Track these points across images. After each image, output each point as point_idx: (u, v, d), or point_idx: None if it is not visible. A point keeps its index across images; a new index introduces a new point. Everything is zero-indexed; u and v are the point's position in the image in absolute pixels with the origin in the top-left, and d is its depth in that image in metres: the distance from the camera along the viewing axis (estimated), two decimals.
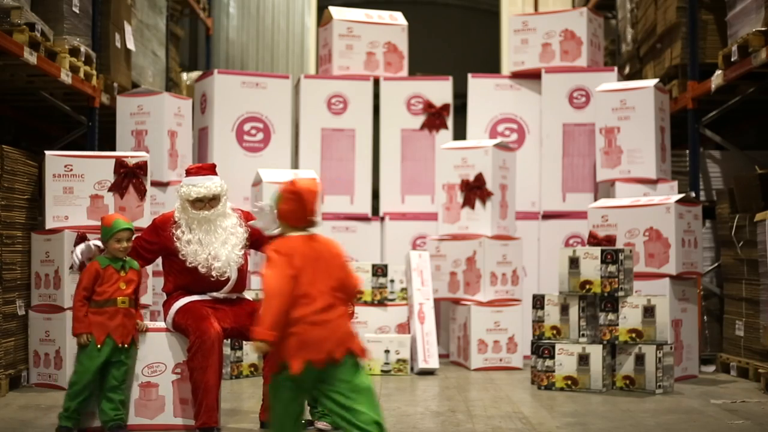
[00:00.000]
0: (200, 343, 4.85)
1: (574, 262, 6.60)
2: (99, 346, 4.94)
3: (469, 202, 7.79)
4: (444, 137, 8.73)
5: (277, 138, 8.61)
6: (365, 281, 7.55)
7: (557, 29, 8.71)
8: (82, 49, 7.38)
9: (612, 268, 6.47)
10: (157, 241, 5.22)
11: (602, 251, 6.53)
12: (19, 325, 6.50)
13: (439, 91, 8.83)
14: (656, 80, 8.05)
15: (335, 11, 9.00)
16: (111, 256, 5.09)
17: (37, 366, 6.53)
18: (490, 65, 14.68)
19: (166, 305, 5.20)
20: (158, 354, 5.15)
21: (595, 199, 8.09)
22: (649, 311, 6.45)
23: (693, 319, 7.18)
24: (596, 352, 6.42)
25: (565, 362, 6.48)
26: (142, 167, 6.58)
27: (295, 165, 8.79)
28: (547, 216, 8.52)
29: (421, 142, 8.79)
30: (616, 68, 8.74)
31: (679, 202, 7.03)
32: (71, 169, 6.51)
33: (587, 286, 6.55)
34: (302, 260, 3.69)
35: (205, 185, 5.16)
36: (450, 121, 8.83)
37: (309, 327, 3.64)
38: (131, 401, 5.12)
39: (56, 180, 6.48)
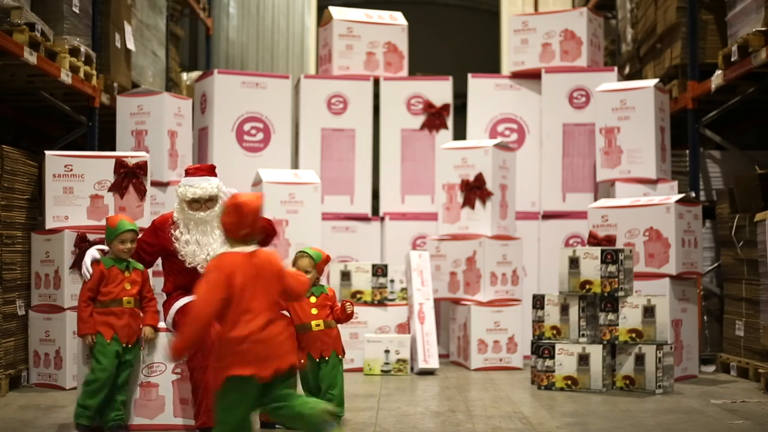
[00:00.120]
0: (200, 343, 4.85)
1: (574, 262, 6.60)
2: (109, 341, 4.94)
3: (469, 202, 7.79)
4: (444, 137, 8.73)
5: (277, 138, 8.61)
6: (365, 281, 7.55)
7: (557, 29, 8.71)
8: (82, 49, 7.38)
9: (612, 268, 6.47)
10: (157, 243, 5.22)
11: (602, 251, 6.53)
12: (19, 325, 6.50)
13: (439, 91, 8.83)
14: (656, 80, 8.05)
15: (335, 11, 9.00)
16: (115, 257, 5.10)
17: (37, 366, 6.53)
18: (490, 65, 14.68)
19: (166, 305, 5.20)
20: (158, 354, 5.15)
21: (595, 199, 8.09)
22: (649, 311, 6.45)
23: (693, 319, 7.18)
24: (596, 352, 6.42)
25: (565, 362, 6.48)
26: (142, 167, 6.58)
27: (295, 165, 8.80)
28: (547, 216, 8.52)
29: (421, 142, 8.79)
30: (616, 68, 8.74)
31: (679, 202, 7.03)
32: (71, 169, 6.51)
33: (587, 286, 6.55)
34: (243, 277, 3.88)
35: (201, 186, 5.15)
36: (450, 121, 8.84)
37: (253, 345, 3.83)
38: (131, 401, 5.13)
39: (56, 180, 6.48)
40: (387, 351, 7.27)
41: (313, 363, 5.11)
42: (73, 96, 7.67)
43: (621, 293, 6.47)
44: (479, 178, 7.75)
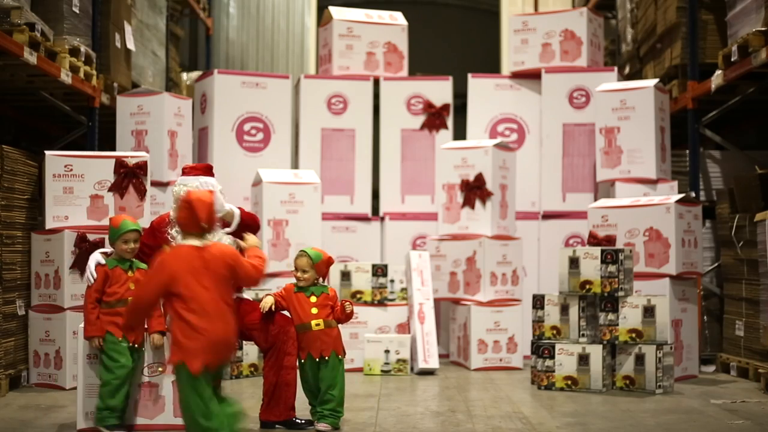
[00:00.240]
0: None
1: (574, 262, 6.60)
2: (120, 339, 4.94)
3: (469, 202, 7.79)
4: (444, 137, 8.73)
5: (277, 138, 8.61)
6: (365, 281, 7.55)
7: (557, 29, 8.71)
8: (82, 49, 7.38)
9: (612, 268, 6.47)
10: (155, 243, 5.22)
11: (602, 251, 6.53)
12: (19, 325, 6.50)
13: (439, 91, 8.83)
14: (656, 80, 8.05)
15: (335, 11, 9.00)
16: (118, 257, 5.10)
17: (37, 366, 6.53)
18: (490, 65, 14.68)
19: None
20: (158, 354, 5.15)
21: (595, 199, 8.09)
22: (649, 311, 6.45)
23: (693, 319, 7.18)
24: (596, 352, 6.42)
25: (565, 362, 6.47)
26: (142, 167, 6.58)
27: (295, 165, 8.80)
28: (547, 216, 8.52)
29: (421, 142, 8.79)
30: (616, 68, 8.74)
31: (679, 202, 7.03)
32: (71, 169, 6.51)
33: (587, 286, 6.55)
34: (189, 270, 4.06)
35: (194, 186, 5.14)
36: (450, 121, 8.84)
37: (203, 334, 4.00)
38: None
39: (56, 180, 6.49)
40: (387, 351, 7.27)
41: (313, 363, 5.11)
42: (73, 96, 7.67)
43: (621, 293, 6.47)
44: (479, 178, 7.75)
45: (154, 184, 7.14)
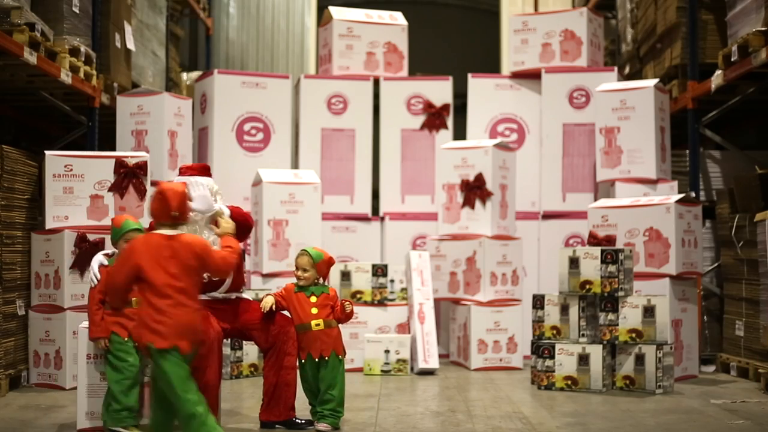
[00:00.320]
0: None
1: (574, 262, 6.60)
2: (126, 338, 4.94)
3: (469, 202, 7.79)
4: (444, 137, 8.73)
5: (277, 138, 8.61)
6: (365, 281, 7.55)
7: (557, 29, 8.71)
8: (82, 49, 7.38)
9: (612, 268, 6.47)
10: None
11: (602, 251, 6.53)
12: (19, 325, 6.50)
13: (439, 91, 8.83)
14: (656, 80, 8.05)
15: (335, 11, 9.00)
16: None
17: (37, 366, 6.53)
18: (490, 65, 14.67)
19: None
20: None
21: (595, 199, 8.09)
22: (649, 311, 6.45)
23: (693, 319, 7.18)
24: (596, 352, 6.42)
25: (565, 362, 6.47)
26: (142, 167, 6.58)
27: (295, 165, 8.79)
28: (547, 216, 8.52)
29: (421, 142, 8.79)
30: (616, 68, 8.74)
31: (679, 202, 7.03)
32: (71, 169, 6.51)
33: (587, 286, 6.55)
34: (156, 257, 4.25)
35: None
36: (450, 121, 8.83)
37: (170, 318, 4.20)
38: None
39: (56, 180, 6.49)
40: (387, 351, 7.27)
41: (312, 363, 5.11)
42: (73, 96, 7.67)
43: (621, 293, 6.47)
44: (479, 178, 7.75)
45: (154, 184, 7.13)
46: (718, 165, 8.41)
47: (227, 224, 4.91)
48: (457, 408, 5.77)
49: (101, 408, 4.96)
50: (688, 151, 8.26)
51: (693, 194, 7.86)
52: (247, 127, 8.53)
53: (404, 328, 7.57)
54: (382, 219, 8.70)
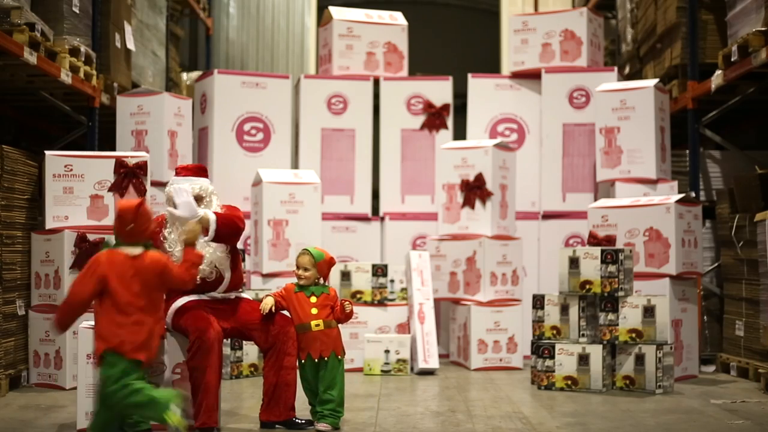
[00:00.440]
0: (200, 343, 4.84)
1: (574, 262, 6.60)
2: None
3: (469, 202, 7.79)
4: (444, 137, 8.73)
5: (277, 138, 8.61)
6: (365, 281, 7.55)
7: (557, 29, 8.71)
8: (82, 49, 7.38)
9: (612, 268, 6.47)
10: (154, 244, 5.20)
11: (602, 251, 6.53)
12: (19, 325, 6.50)
13: (439, 91, 8.83)
14: (656, 80, 8.05)
15: (335, 11, 9.00)
16: None
17: (37, 366, 6.53)
18: (490, 65, 14.67)
19: (165, 305, 5.18)
20: (159, 355, 5.14)
21: (595, 199, 8.09)
22: (649, 311, 6.45)
23: (693, 319, 7.18)
24: (596, 352, 6.42)
25: (565, 362, 6.47)
26: (142, 167, 6.58)
27: (295, 165, 8.80)
28: (547, 216, 8.52)
29: (421, 142, 8.79)
30: (616, 68, 8.74)
31: (679, 202, 7.03)
32: (71, 169, 6.51)
33: (587, 286, 6.55)
34: (118, 276, 4.35)
35: (184, 186, 5.08)
36: (450, 121, 8.83)
37: (124, 330, 4.34)
38: None
39: (56, 180, 6.49)
40: (387, 351, 7.27)
41: (312, 363, 5.10)
42: (73, 96, 7.67)
43: (621, 293, 6.47)
44: (479, 178, 7.75)
45: (154, 184, 7.14)
46: (718, 165, 8.42)
47: (191, 233, 4.81)
48: (457, 408, 5.77)
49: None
50: (688, 151, 8.26)
51: (693, 194, 7.86)
52: (247, 127, 8.53)
53: (404, 328, 7.57)
54: (382, 219, 8.70)
